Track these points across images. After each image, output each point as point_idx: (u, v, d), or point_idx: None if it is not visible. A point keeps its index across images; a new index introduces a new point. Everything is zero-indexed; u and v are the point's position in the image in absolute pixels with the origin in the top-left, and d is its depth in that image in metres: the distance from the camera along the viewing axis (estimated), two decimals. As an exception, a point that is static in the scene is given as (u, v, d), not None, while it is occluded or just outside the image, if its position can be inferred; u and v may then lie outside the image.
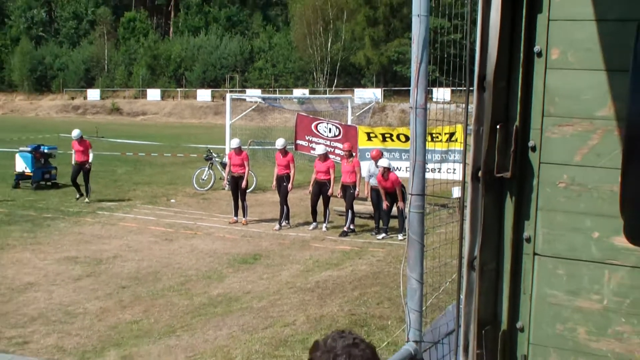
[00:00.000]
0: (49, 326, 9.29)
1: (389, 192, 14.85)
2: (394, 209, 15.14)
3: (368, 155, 16.65)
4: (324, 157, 15.97)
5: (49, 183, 21.50)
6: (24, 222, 16.03)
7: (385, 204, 14.98)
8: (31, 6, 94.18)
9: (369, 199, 15.89)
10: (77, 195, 18.64)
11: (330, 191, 15.68)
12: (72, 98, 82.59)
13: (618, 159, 1.98)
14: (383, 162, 14.85)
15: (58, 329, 9.19)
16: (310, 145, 19.56)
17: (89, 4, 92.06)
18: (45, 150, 21.65)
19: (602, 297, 2.83)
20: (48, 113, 77.92)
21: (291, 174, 16.15)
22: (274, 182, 16.39)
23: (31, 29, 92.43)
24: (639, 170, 1.57)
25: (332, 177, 15.65)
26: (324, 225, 15.97)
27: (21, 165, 21.16)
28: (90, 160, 18.72)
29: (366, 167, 16.08)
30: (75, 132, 19.11)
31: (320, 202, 15.86)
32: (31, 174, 21.07)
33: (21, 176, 21.14)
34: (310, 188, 15.97)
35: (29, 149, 21.48)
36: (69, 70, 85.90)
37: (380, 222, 15.40)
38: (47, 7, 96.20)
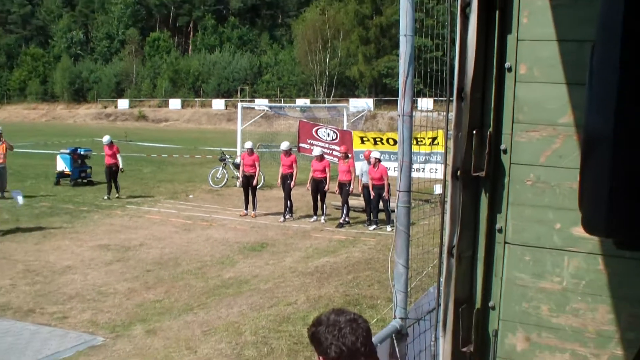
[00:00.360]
0: (85, 304, 9.32)
1: (376, 185, 14.85)
2: (381, 204, 15.17)
3: (361, 156, 16.66)
4: (320, 157, 15.97)
5: (84, 181, 21.54)
6: (64, 214, 16.05)
7: (372, 194, 15.01)
8: (71, 28, 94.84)
9: (362, 195, 15.92)
10: (105, 197, 18.57)
11: (326, 187, 15.69)
12: (105, 107, 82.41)
13: (577, 160, 1.98)
14: (375, 154, 15.02)
15: (92, 306, 9.22)
16: (311, 148, 19.53)
17: (119, 25, 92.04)
18: (82, 152, 21.73)
19: (562, 279, 2.84)
20: (84, 120, 77.79)
21: (294, 173, 16.15)
22: (279, 180, 16.39)
23: (70, 48, 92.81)
24: (594, 170, 1.57)
25: (327, 175, 15.65)
26: (322, 217, 15.98)
27: (61, 165, 21.29)
28: (120, 165, 18.69)
29: (359, 166, 16.09)
30: (105, 138, 19.15)
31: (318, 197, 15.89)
32: (70, 173, 21.19)
33: (61, 175, 21.24)
34: (309, 185, 15.96)
35: (67, 151, 21.64)
36: (102, 83, 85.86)
37: (372, 215, 15.42)
38: (84, 29, 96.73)
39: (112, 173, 18.62)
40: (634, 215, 1.53)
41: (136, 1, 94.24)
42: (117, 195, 18.75)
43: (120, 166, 18.71)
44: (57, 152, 22.65)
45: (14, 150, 20.13)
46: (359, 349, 2.32)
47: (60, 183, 21.12)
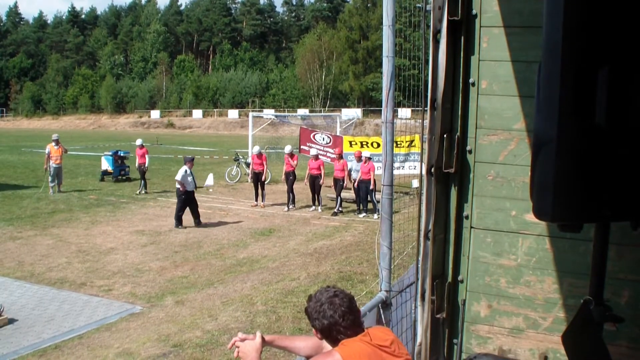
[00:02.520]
0: (125, 279, 9.32)
1: (364, 179, 14.87)
2: (369, 197, 15.16)
3: (350, 157, 16.65)
4: (316, 157, 15.99)
5: (124, 177, 21.51)
6: (108, 205, 16.04)
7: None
8: (114, 53, 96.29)
9: (353, 189, 15.92)
10: (137, 191, 18.44)
11: (321, 182, 15.69)
12: (140, 116, 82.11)
13: (528, 159, 2.00)
14: (366, 153, 15.05)
15: (131, 281, 9.22)
16: (310, 149, 19.51)
17: (153, 50, 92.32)
18: (121, 154, 21.72)
19: (517, 257, 2.85)
20: (123, 128, 77.49)
21: (295, 171, 16.16)
22: (283, 177, 16.37)
23: (113, 69, 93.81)
24: (542, 166, 1.59)
25: (322, 172, 15.64)
26: (319, 207, 15.97)
27: (105, 164, 21.35)
28: (146, 164, 18.59)
29: (349, 165, 16.07)
30: (138, 141, 19.21)
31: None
32: (112, 171, 21.20)
33: (105, 172, 21.28)
34: (306, 180, 15.95)
35: (110, 153, 21.75)
36: (138, 97, 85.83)
37: (361, 205, 15.41)
38: (124, 53, 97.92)
39: (141, 172, 18.50)
40: (574, 203, 1.55)
41: (166, 30, 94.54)
42: (145, 191, 18.48)
43: (146, 164, 18.61)
44: (102, 154, 22.73)
45: (68, 152, 20.19)
46: (337, 321, 2.28)
47: (104, 179, 21.10)
